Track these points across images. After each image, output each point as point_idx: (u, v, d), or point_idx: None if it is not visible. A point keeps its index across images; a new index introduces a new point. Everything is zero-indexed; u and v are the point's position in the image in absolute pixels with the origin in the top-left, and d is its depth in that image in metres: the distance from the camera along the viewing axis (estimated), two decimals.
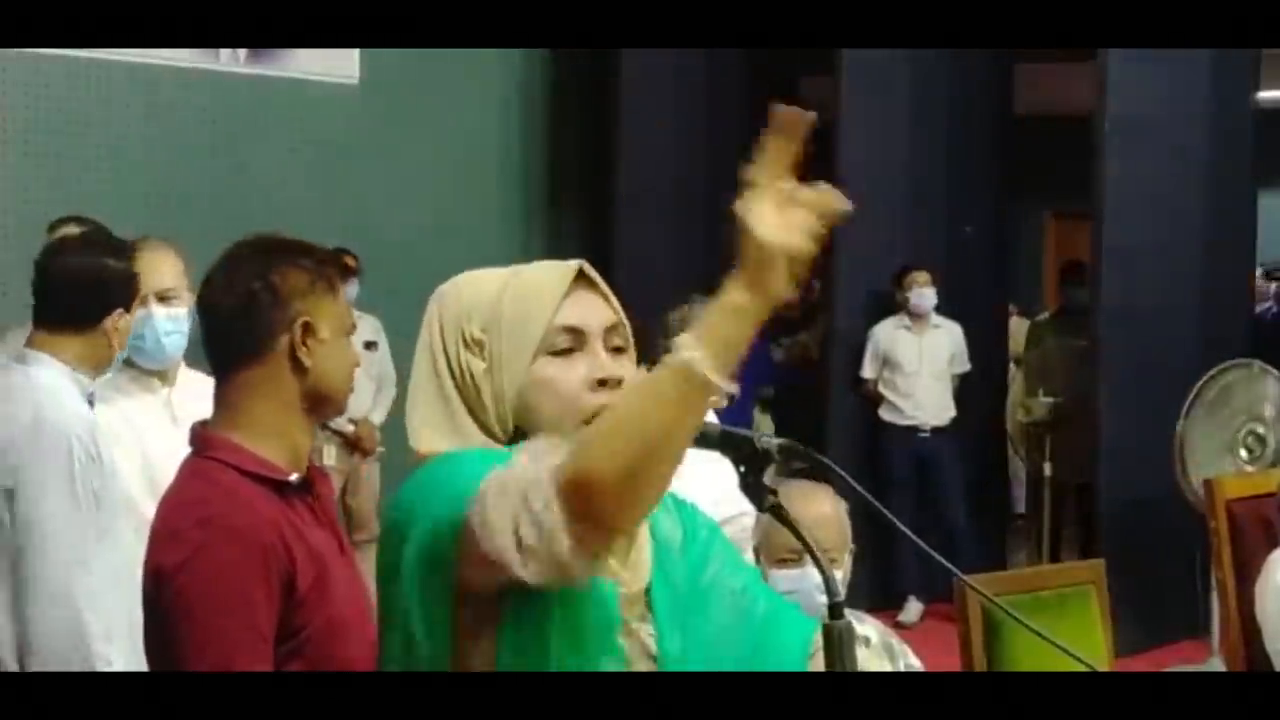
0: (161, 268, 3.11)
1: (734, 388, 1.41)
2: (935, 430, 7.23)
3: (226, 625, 1.96)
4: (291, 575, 2.02)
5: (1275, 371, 5.82)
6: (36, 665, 2.67)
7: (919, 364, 7.22)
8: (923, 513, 7.02)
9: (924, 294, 7.15)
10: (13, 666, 2.69)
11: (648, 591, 1.66)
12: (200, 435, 2.15)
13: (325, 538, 2.13)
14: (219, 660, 1.94)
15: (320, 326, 2.12)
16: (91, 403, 2.89)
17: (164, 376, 3.17)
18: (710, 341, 1.39)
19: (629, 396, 1.48)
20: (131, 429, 3.07)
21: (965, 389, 7.38)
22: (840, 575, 2.70)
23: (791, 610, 1.79)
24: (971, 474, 7.43)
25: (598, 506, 1.41)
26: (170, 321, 3.09)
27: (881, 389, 7.30)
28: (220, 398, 2.16)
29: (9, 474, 2.72)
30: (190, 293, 3.00)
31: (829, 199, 1.38)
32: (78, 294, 2.87)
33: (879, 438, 7.30)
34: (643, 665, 1.63)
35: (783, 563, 2.70)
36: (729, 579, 1.74)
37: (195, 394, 3.21)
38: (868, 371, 7.31)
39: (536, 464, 1.46)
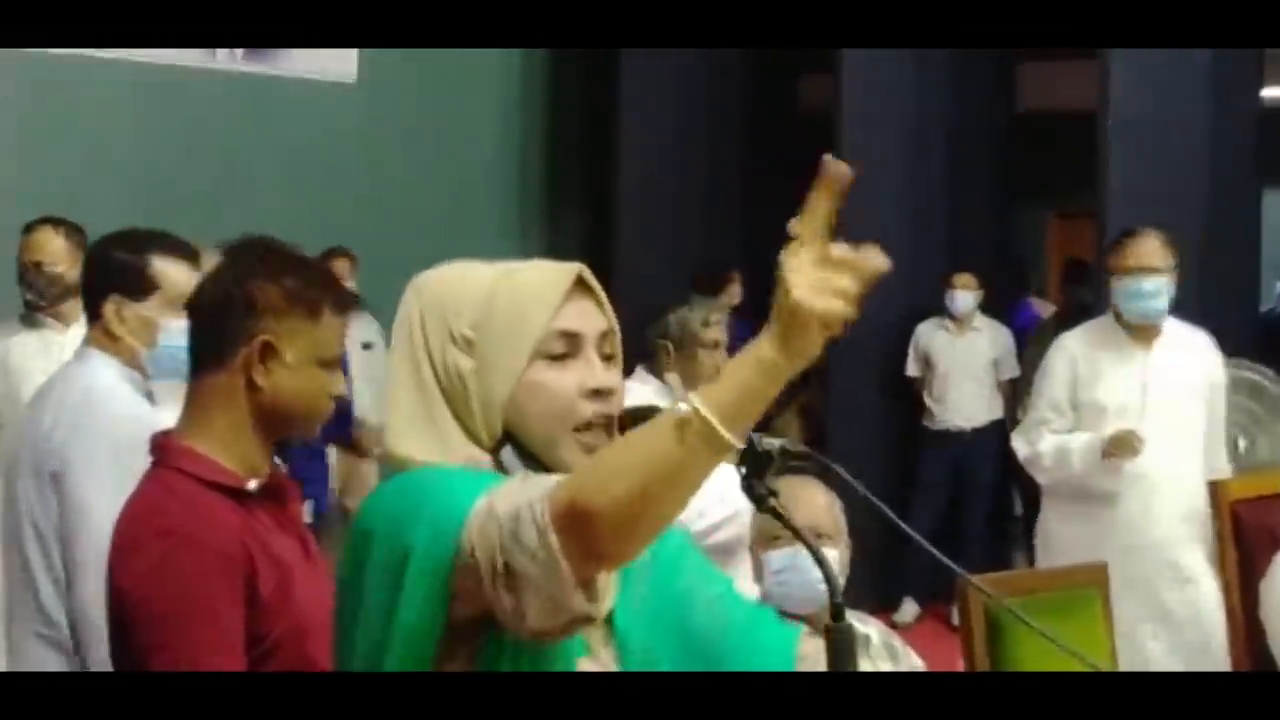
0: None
1: (741, 444, 1.38)
2: (974, 431, 7.28)
3: (196, 635, 1.97)
4: (254, 581, 2.02)
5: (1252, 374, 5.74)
6: (96, 642, 2.71)
7: (951, 365, 7.26)
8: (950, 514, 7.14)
9: (956, 296, 7.19)
10: (69, 645, 2.73)
11: (610, 615, 1.61)
12: (159, 444, 2.15)
13: (290, 544, 2.12)
14: (185, 657, 1.95)
15: (285, 349, 2.09)
16: (151, 399, 2.92)
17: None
18: (729, 395, 1.36)
19: (637, 435, 1.43)
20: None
21: None
22: (835, 556, 2.71)
23: (770, 617, 1.77)
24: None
25: (590, 538, 1.38)
26: None
27: (922, 389, 7.37)
28: (187, 399, 2.16)
29: (55, 456, 2.74)
30: None
31: (869, 261, 1.35)
32: (84, 283, 2.96)
33: (917, 438, 7.37)
34: None
35: (776, 540, 2.70)
36: (705, 587, 1.71)
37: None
38: (910, 369, 7.37)
39: (523, 493, 1.42)
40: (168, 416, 3.00)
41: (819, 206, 1.35)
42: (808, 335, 1.34)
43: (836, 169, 1.36)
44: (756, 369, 1.36)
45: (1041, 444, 4.46)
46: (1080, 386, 4.46)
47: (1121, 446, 4.28)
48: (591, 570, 1.41)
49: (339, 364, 2.14)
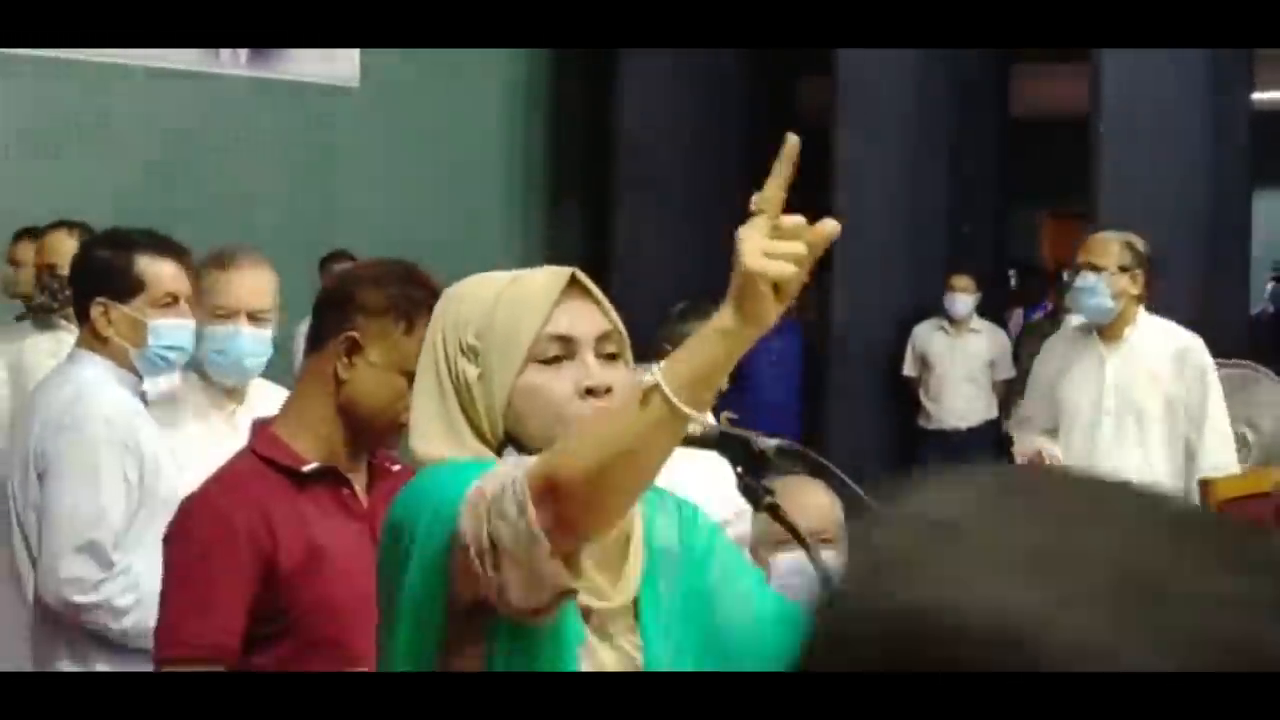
0: (258, 285, 2.99)
1: (704, 417, 1.43)
2: (969, 430, 7.33)
3: (189, 591, 2.13)
4: (272, 555, 2.12)
5: (1269, 374, 5.79)
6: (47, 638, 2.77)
7: (948, 366, 7.32)
8: None
9: (955, 299, 7.25)
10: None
11: (636, 603, 1.66)
12: (254, 423, 2.30)
13: (343, 526, 2.19)
14: (170, 623, 2.14)
15: (371, 349, 2.18)
16: (144, 400, 2.92)
17: (234, 394, 3.07)
18: (690, 366, 1.43)
19: (608, 410, 1.51)
20: (197, 451, 2.91)
21: None
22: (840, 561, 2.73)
23: (797, 614, 1.80)
24: None
25: (565, 508, 1.43)
26: (257, 343, 2.97)
27: (919, 389, 7.42)
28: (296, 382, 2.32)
29: (39, 456, 2.79)
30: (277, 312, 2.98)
31: (819, 227, 1.41)
32: (71, 286, 2.99)
33: (916, 438, 7.43)
34: None
35: (783, 544, 2.73)
36: (734, 581, 1.75)
37: (264, 409, 3.20)
38: (908, 369, 7.44)
39: (510, 472, 1.48)
40: (161, 416, 3.03)
41: (778, 178, 1.42)
42: (762, 300, 1.40)
43: (790, 140, 1.43)
44: (717, 338, 1.42)
45: (1018, 445, 4.60)
46: (1055, 385, 4.50)
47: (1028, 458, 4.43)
48: (569, 541, 1.46)
49: None
